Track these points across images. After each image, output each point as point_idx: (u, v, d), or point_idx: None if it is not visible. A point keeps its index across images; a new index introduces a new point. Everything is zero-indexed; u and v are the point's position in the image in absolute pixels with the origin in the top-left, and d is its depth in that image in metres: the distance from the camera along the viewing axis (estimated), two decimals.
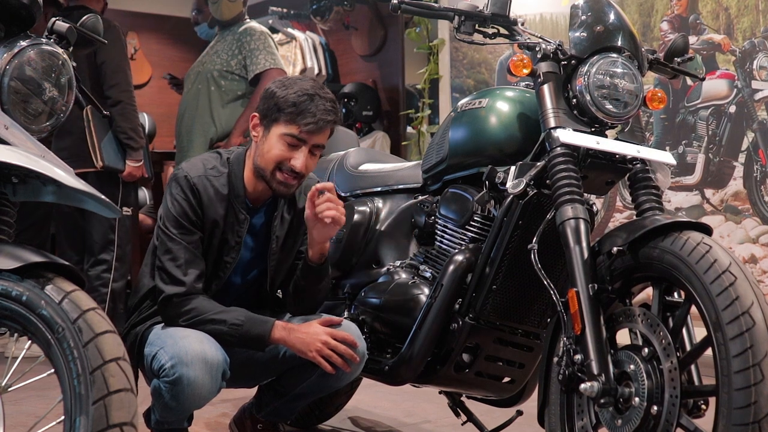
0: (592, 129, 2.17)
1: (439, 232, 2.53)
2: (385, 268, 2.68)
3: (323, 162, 3.12)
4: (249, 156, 2.44)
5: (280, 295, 2.62)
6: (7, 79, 1.82)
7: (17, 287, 1.65)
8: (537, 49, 2.22)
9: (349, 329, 2.43)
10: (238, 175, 2.43)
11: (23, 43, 1.87)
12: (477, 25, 2.28)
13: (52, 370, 1.64)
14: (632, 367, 1.87)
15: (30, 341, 1.71)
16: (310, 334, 2.32)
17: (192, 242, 2.36)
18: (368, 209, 2.81)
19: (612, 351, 1.93)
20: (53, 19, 1.99)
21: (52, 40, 1.95)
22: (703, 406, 1.85)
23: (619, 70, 2.15)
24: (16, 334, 1.72)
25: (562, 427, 2.05)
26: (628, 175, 2.19)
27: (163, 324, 2.38)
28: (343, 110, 5.92)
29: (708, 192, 4.16)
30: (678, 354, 1.83)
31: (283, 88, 2.36)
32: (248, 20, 4.80)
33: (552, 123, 2.14)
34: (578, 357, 1.93)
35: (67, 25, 1.98)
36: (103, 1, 4.37)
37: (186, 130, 4.68)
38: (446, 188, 2.54)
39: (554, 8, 4.81)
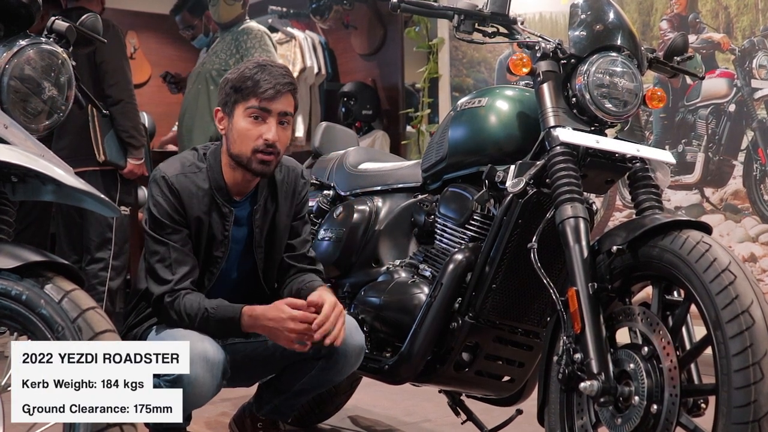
0: (592, 128, 2.17)
1: (438, 231, 2.53)
2: (384, 267, 2.68)
3: (323, 161, 3.13)
4: (223, 152, 2.44)
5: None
6: (6, 78, 1.83)
7: (17, 286, 1.65)
8: (536, 48, 2.22)
9: (348, 322, 2.42)
10: (216, 169, 2.43)
11: (23, 43, 1.87)
12: (476, 24, 2.28)
13: None
14: (632, 365, 1.87)
15: (30, 340, 1.71)
16: (276, 321, 2.26)
17: (179, 240, 2.36)
18: (368, 208, 2.81)
19: (612, 350, 1.93)
20: (52, 18, 1.99)
21: (51, 40, 1.94)
22: (703, 405, 1.85)
23: (618, 69, 2.15)
24: (15, 333, 1.72)
25: (562, 425, 2.05)
26: (627, 173, 2.19)
27: (160, 325, 2.38)
28: (343, 109, 5.93)
29: (707, 191, 4.16)
30: (678, 353, 1.83)
31: (234, 72, 2.40)
32: (247, 21, 4.83)
33: (551, 122, 2.14)
34: (578, 356, 1.93)
35: (67, 24, 1.98)
36: (102, 4, 4.38)
37: (186, 130, 4.72)
38: (446, 187, 2.54)
39: (554, 7, 4.81)
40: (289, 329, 2.26)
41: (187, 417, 2.37)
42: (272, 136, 2.34)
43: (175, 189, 2.37)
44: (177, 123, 4.97)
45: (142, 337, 2.40)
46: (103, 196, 1.79)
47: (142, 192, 5.61)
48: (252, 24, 4.82)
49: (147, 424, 2.35)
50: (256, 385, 2.64)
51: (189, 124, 4.71)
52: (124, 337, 2.45)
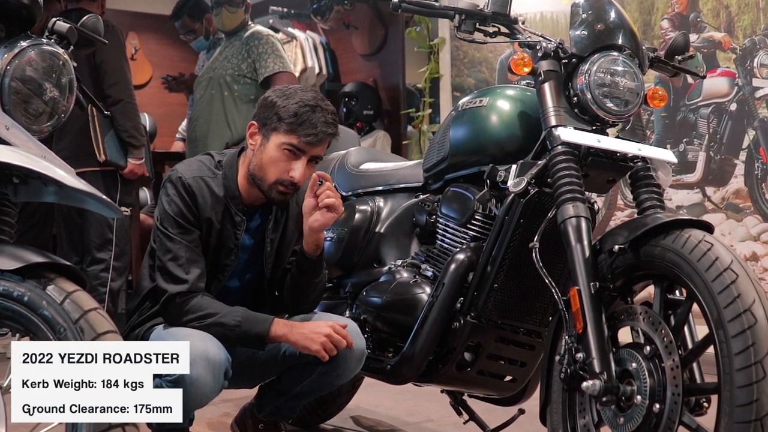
0: (593, 127, 2.17)
1: (440, 231, 2.53)
2: (386, 268, 2.68)
3: (324, 161, 3.12)
4: (243, 163, 2.44)
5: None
6: (7, 79, 1.83)
7: (19, 288, 1.65)
8: (538, 47, 2.22)
9: (350, 327, 2.42)
10: (231, 178, 2.43)
11: (24, 44, 1.87)
12: (477, 24, 2.28)
13: None
14: (634, 365, 1.87)
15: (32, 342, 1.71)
16: (313, 328, 2.32)
17: (192, 240, 2.37)
18: (369, 208, 2.81)
19: (614, 349, 1.93)
20: (53, 19, 1.99)
21: (52, 41, 1.95)
22: (705, 404, 1.85)
23: (619, 69, 2.15)
24: (17, 335, 1.72)
25: (564, 425, 2.05)
26: (629, 173, 2.19)
27: (164, 324, 2.38)
28: (344, 109, 5.94)
29: (709, 190, 4.16)
30: (680, 352, 1.83)
31: (284, 98, 2.36)
32: (251, 24, 4.85)
33: (553, 121, 2.14)
34: (580, 355, 1.93)
35: (68, 25, 1.98)
36: (101, 6, 4.38)
37: (201, 136, 4.71)
38: (447, 187, 2.54)
39: (555, 7, 4.81)
40: (328, 334, 2.30)
41: (190, 418, 2.37)
42: (299, 177, 2.35)
43: (191, 191, 2.38)
44: (187, 129, 4.97)
45: (144, 336, 2.40)
46: (104, 197, 1.79)
47: (143, 193, 5.61)
48: (259, 28, 4.84)
49: (150, 425, 2.36)
50: (258, 386, 2.64)
51: (203, 130, 4.71)
52: (126, 336, 2.44)
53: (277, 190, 2.38)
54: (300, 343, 2.32)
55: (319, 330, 2.31)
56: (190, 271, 2.34)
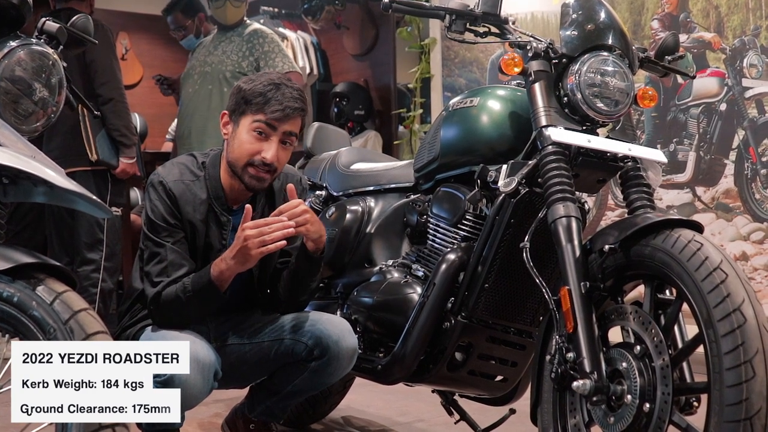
0: (584, 127, 2.18)
1: (431, 231, 2.53)
2: (377, 268, 2.68)
3: (315, 161, 3.13)
4: (223, 157, 2.45)
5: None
6: None
7: (8, 288, 1.64)
8: (528, 47, 2.23)
9: (341, 325, 2.43)
10: (214, 177, 2.43)
11: (13, 44, 1.87)
12: (468, 24, 2.28)
13: None
14: (624, 364, 1.88)
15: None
16: (237, 244, 2.27)
17: (176, 242, 2.37)
18: (360, 208, 2.81)
19: (604, 349, 1.93)
20: (43, 19, 1.99)
21: (42, 41, 1.94)
22: (695, 403, 1.86)
23: (610, 69, 2.15)
24: (7, 336, 1.72)
25: (555, 425, 2.06)
26: (619, 173, 2.20)
27: (152, 326, 2.38)
28: (335, 109, 5.93)
29: (699, 190, 4.18)
30: (670, 351, 1.83)
31: (249, 83, 2.39)
32: (249, 21, 4.83)
33: (543, 121, 2.15)
34: (570, 355, 1.93)
35: (58, 25, 1.97)
36: (91, 6, 4.36)
37: (197, 131, 4.66)
38: (438, 187, 2.54)
39: (545, 7, 4.81)
40: (246, 236, 2.24)
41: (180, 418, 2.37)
42: (271, 157, 2.35)
43: (173, 194, 2.37)
44: (177, 124, 4.94)
45: (135, 337, 2.39)
46: (94, 197, 1.79)
47: (134, 193, 5.59)
48: (260, 26, 4.82)
49: (140, 425, 2.35)
50: (249, 386, 2.63)
51: (199, 125, 4.66)
52: (117, 338, 2.44)
53: (249, 174, 2.37)
54: (239, 266, 2.28)
55: (241, 241, 2.25)
56: (171, 274, 2.33)
